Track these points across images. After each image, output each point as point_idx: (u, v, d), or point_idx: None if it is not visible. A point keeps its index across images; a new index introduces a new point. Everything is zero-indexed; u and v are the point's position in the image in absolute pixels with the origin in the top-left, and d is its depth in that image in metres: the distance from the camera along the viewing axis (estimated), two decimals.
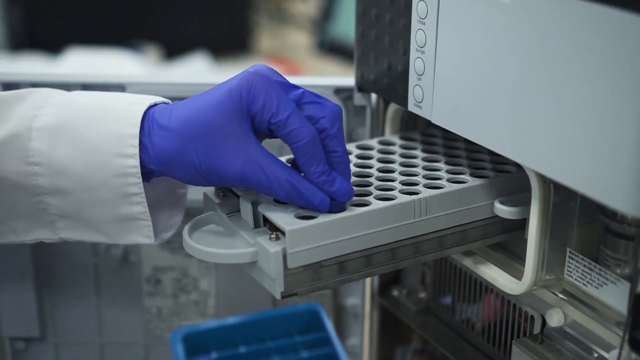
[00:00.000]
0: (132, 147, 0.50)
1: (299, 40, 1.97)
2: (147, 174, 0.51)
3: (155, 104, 0.52)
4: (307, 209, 0.50)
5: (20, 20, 1.72)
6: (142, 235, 0.52)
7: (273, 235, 0.49)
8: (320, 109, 0.51)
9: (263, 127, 0.50)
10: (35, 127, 0.50)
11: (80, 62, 1.55)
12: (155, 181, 0.54)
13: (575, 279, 0.52)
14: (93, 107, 0.51)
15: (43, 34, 1.73)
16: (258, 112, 0.50)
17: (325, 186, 0.50)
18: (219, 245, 0.51)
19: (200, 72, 1.59)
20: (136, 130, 0.50)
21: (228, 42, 1.88)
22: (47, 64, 1.58)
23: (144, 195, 0.51)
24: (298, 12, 2.04)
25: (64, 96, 0.53)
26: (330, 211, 0.50)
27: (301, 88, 0.52)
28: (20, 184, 0.50)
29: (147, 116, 0.51)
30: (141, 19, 1.78)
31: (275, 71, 0.51)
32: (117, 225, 0.52)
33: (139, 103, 0.52)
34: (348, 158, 0.52)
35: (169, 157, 0.50)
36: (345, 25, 1.74)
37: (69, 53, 1.59)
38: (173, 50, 1.75)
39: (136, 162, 0.50)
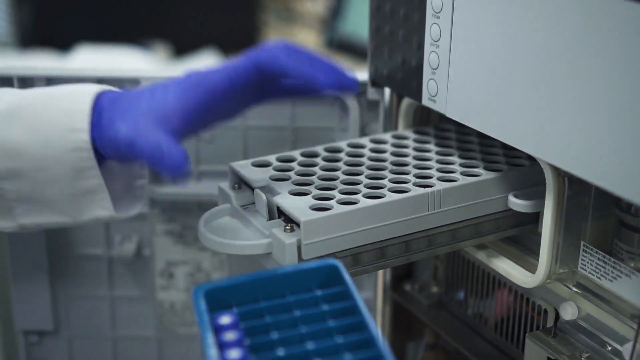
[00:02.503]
0: (82, 122, 0.50)
1: (307, 38, 1.97)
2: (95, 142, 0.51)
3: (111, 90, 0.53)
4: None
5: (30, 17, 1.73)
6: (101, 207, 0.53)
7: (288, 227, 0.49)
8: (264, 55, 0.52)
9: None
10: None
11: (90, 59, 1.55)
12: (113, 173, 0.54)
13: (589, 272, 0.52)
14: (46, 92, 0.53)
15: (52, 32, 1.73)
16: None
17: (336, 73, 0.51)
18: (234, 236, 0.52)
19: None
20: (86, 105, 0.51)
21: (236, 40, 1.89)
22: (56, 61, 1.58)
23: (97, 167, 0.51)
24: (306, 11, 2.05)
25: (17, 89, 0.54)
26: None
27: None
28: None
29: (103, 95, 0.52)
30: (150, 16, 1.78)
31: None
32: (74, 202, 0.52)
33: (92, 85, 0.53)
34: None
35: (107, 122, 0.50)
36: (354, 23, 1.74)
37: (78, 50, 1.59)
38: (182, 48, 1.76)
39: (86, 136, 0.50)
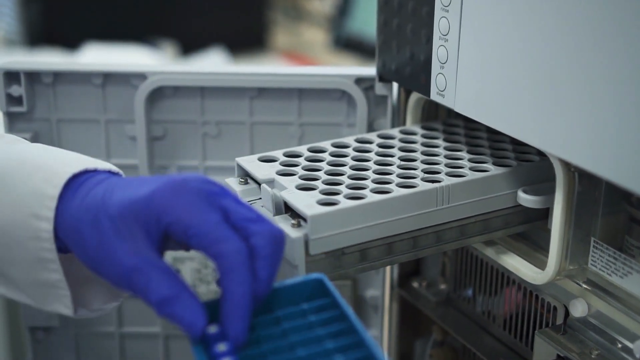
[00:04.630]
0: (48, 209, 0.45)
1: (315, 37, 1.97)
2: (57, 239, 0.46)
3: (96, 170, 0.48)
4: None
5: (38, 16, 1.73)
6: (62, 305, 0.48)
7: (294, 222, 0.49)
8: (256, 226, 0.44)
9: (180, 238, 0.44)
10: None
11: (97, 57, 1.55)
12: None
13: (600, 269, 0.51)
14: (22, 162, 0.48)
15: (60, 30, 1.73)
16: (171, 223, 0.43)
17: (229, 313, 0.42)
18: None
19: (220, 64, 1.59)
20: (56, 191, 0.45)
21: (244, 38, 1.89)
22: (64, 59, 1.58)
23: (58, 262, 0.46)
24: (314, 9, 2.04)
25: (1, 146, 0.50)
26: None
27: (238, 200, 0.45)
28: None
29: (76, 181, 0.46)
30: (158, 15, 1.78)
31: (209, 181, 0.45)
32: (38, 290, 0.48)
33: (71, 165, 0.47)
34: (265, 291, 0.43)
35: (70, 231, 0.45)
36: (361, 22, 1.74)
37: (86, 48, 1.60)
38: (189, 46, 1.76)
39: (49, 226, 0.45)
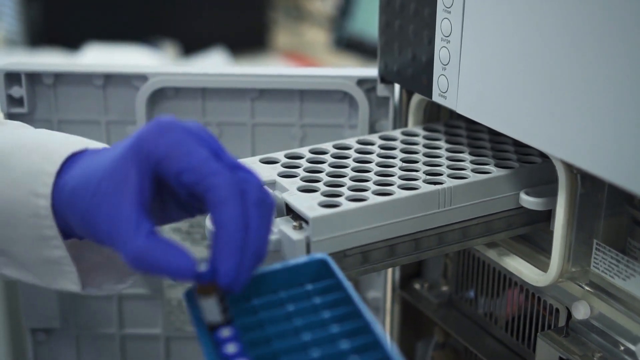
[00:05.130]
0: (45, 186, 0.45)
1: (316, 37, 1.97)
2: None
3: (91, 149, 0.47)
4: (168, 278, 0.42)
5: (39, 16, 1.73)
6: (70, 281, 0.48)
7: (296, 224, 0.49)
8: (246, 173, 0.43)
9: (170, 175, 0.42)
10: None
11: (99, 57, 1.55)
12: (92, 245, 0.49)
13: (602, 271, 0.51)
14: (24, 143, 0.48)
15: (61, 31, 1.73)
16: (162, 158, 0.42)
17: (218, 253, 0.41)
18: None
19: (221, 64, 1.59)
20: (54, 168, 0.45)
21: (245, 39, 1.88)
22: (65, 59, 1.58)
23: (60, 238, 0.46)
24: (315, 10, 2.04)
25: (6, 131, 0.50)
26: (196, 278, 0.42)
27: (227, 153, 0.43)
28: None
29: (76, 157, 0.46)
30: (159, 15, 1.78)
31: (197, 125, 0.44)
32: (43, 268, 0.48)
33: (70, 144, 0.47)
34: (262, 242, 0.42)
35: (69, 197, 0.44)
36: (363, 22, 1.74)
37: (87, 49, 1.60)
38: (190, 46, 1.76)
39: (47, 203, 0.45)
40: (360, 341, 0.40)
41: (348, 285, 0.42)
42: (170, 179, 0.42)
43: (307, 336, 0.40)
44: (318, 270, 0.44)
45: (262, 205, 0.42)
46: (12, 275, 0.50)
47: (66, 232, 0.46)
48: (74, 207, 0.44)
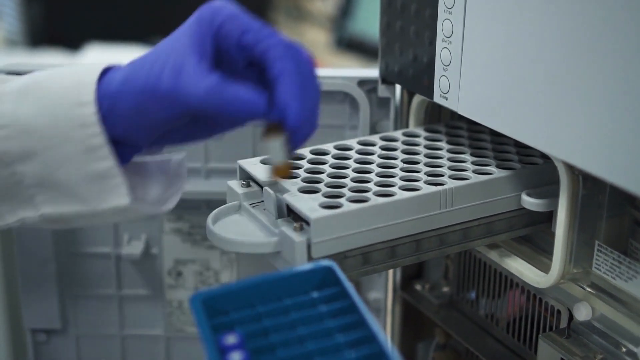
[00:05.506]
0: (88, 94, 0.47)
1: (317, 37, 1.97)
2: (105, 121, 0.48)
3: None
4: (238, 115, 0.45)
5: (40, 16, 1.73)
6: (118, 195, 0.48)
7: (297, 225, 0.49)
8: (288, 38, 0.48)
9: (231, 38, 0.46)
10: (3, 92, 0.49)
11: (99, 58, 1.55)
12: (154, 165, 0.52)
13: (604, 272, 0.51)
14: (58, 69, 0.50)
15: (62, 30, 1.74)
16: (224, 22, 0.46)
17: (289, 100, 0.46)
18: (243, 235, 0.51)
19: None
20: (93, 77, 0.48)
21: None
22: (66, 60, 1.58)
23: (108, 147, 0.47)
24: (316, 10, 2.04)
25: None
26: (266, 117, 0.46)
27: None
28: None
29: (113, 68, 0.49)
30: (159, 15, 1.78)
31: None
32: (90, 186, 0.48)
33: (100, 63, 0.50)
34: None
35: (120, 85, 0.47)
36: (364, 22, 1.74)
37: (87, 49, 1.60)
38: None
39: (93, 109, 0.47)
40: (365, 351, 0.39)
41: (354, 293, 0.42)
42: (232, 41, 0.46)
43: (312, 345, 0.40)
44: (323, 277, 0.44)
45: (310, 61, 0.47)
46: (53, 211, 0.49)
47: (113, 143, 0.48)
48: (126, 95, 0.47)
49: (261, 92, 0.45)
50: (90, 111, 0.47)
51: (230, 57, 0.47)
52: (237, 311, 0.42)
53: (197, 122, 0.50)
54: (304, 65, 0.47)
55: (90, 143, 0.47)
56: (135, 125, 0.48)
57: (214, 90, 0.44)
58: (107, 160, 0.48)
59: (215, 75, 0.45)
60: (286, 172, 0.48)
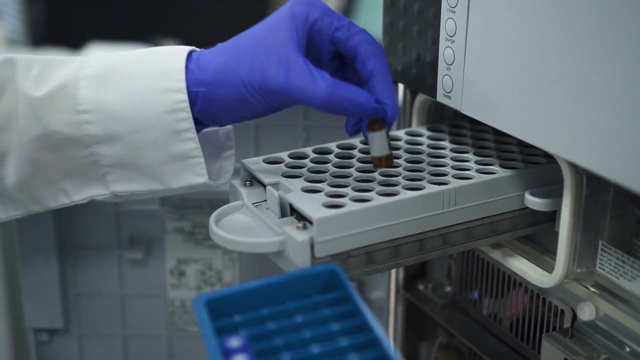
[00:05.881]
0: (179, 82, 0.50)
1: None
2: (192, 104, 0.50)
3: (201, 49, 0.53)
4: (351, 113, 0.49)
5: (41, 16, 1.73)
6: (195, 174, 0.52)
7: (300, 224, 0.49)
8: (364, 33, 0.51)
9: (324, 35, 0.50)
10: (82, 76, 0.50)
11: None
12: (201, 141, 0.53)
13: (608, 272, 0.51)
14: (137, 54, 0.52)
15: (64, 30, 1.73)
16: (318, 18, 0.50)
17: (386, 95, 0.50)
18: (245, 234, 0.51)
19: None
20: (181, 65, 0.50)
21: None
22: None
23: (194, 130, 0.50)
24: None
25: (108, 53, 0.54)
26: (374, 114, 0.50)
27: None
28: (71, 136, 0.50)
29: (194, 53, 0.52)
30: (161, 14, 1.78)
31: None
32: (169, 167, 0.51)
33: (183, 47, 0.53)
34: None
35: (217, 74, 0.50)
36: (365, 22, 1.73)
37: (89, 49, 1.60)
38: (193, 46, 1.76)
39: (184, 96, 0.50)
40: (369, 355, 0.39)
41: (357, 296, 0.42)
42: (325, 37, 0.50)
43: (316, 349, 0.40)
44: (327, 280, 0.44)
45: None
46: (125, 189, 0.52)
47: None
48: (226, 85, 0.49)
49: (369, 94, 0.49)
50: (180, 98, 0.50)
51: (319, 50, 0.51)
52: (240, 314, 0.42)
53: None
54: (387, 61, 0.51)
55: (177, 127, 0.50)
56: (231, 112, 0.51)
57: (331, 91, 0.48)
58: (191, 142, 0.51)
59: (328, 76, 0.48)
60: (391, 160, 0.52)
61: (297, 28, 0.49)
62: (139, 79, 0.50)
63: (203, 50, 0.52)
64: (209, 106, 0.51)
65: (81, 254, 0.69)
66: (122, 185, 0.52)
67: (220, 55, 0.50)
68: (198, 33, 1.79)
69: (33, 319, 0.70)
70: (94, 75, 0.50)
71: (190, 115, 0.50)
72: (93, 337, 0.71)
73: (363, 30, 0.50)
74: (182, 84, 0.50)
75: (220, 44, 0.52)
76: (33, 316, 0.70)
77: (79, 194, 0.52)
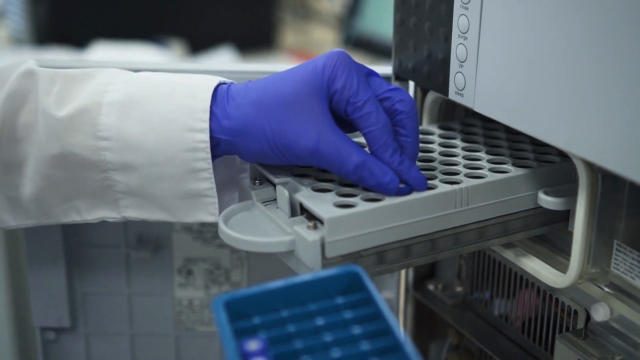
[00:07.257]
0: (202, 122, 0.49)
1: (324, 36, 1.96)
2: (214, 147, 0.51)
3: (225, 83, 0.52)
4: (374, 190, 0.49)
5: (46, 14, 1.72)
6: (207, 212, 0.52)
7: (311, 224, 0.48)
8: (398, 94, 0.51)
9: (340, 107, 0.50)
10: (105, 102, 0.50)
11: (106, 56, 1.55)
12: (218, 164, 0.53)
13: (623, 272, 0.50)
14: (162, 84, 0.52)
15: (68, 29, 1.73)
16: (338, 90, 0.49)
17: (401, 171, 0.49)
18: (255, 233, 0.50)
19: (231, 62, 1.59)
20: (207, 104, 0.50)
21: (252, 37, 1.88)
22: (72, 58, 1.58)
23: (211, 170, 0.50)
24: (323, 8, 2.03)
25: (132, 74, 0.53)
26: (397, 194, 0.49)
27: (379, 76, 0.52)
28: (88, 160, 0.50)
29: (220, 90, 0.51)
30: (166, 13, 1.77)
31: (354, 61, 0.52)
32: (182, 202, 0.51)
33: (209, 80, 0.52)
34: (418, 145, 0.51)
35: (241, 126, 0.49)
36: (372, 20, 1.73)
37: (94, 47, 1.59)
38: (198, 45, 1.75)
39: (206, 137, 0.49)
40: None
41: (380, 299, 0.41)
42: (341, 107, 0.50)
43: (337, 352, 0.39)
44: (349, 282, 0.43)
45: (414, 114, 0.51)
46: (136, 216, 0.53)
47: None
48: (247, 136, 0.49)
49: (394, 176, 0.49)
50: (201, 138, 0.49)
51: (333, 113, 0.51)
52: (260, 315, 0.41)
53: None
54: (407, 121, 0.51)
55: (195, 166, 0.50)
56: (250, 158, 0.51)
57: (361, 167, 0.49)
58: (207, 182, 0.50)
59: (357, 151, 0.49)
60: None
61: (320, 95, 0.49)
62: (161, 112, 0.50)
63: (230, 86, 0.52)
64: (230, 149, 0.51)
65: (88, 252, 0.69)
66: (134, 212, 0.52)
67: (245, 105, 0.50)
68: (203, 32, 1.79)
69: (40, 318, 0.70)
70: (117, 102, 0.50)
71: (209, 155, 0.50)
72: (100, 336, 0.71)
73: (377, 110, 0.50)
74: (205, 124, 0.49)
75: (248, 83, 0.51)
76: (40, 314, 0.69)
77: (91, 214, 0.53)
